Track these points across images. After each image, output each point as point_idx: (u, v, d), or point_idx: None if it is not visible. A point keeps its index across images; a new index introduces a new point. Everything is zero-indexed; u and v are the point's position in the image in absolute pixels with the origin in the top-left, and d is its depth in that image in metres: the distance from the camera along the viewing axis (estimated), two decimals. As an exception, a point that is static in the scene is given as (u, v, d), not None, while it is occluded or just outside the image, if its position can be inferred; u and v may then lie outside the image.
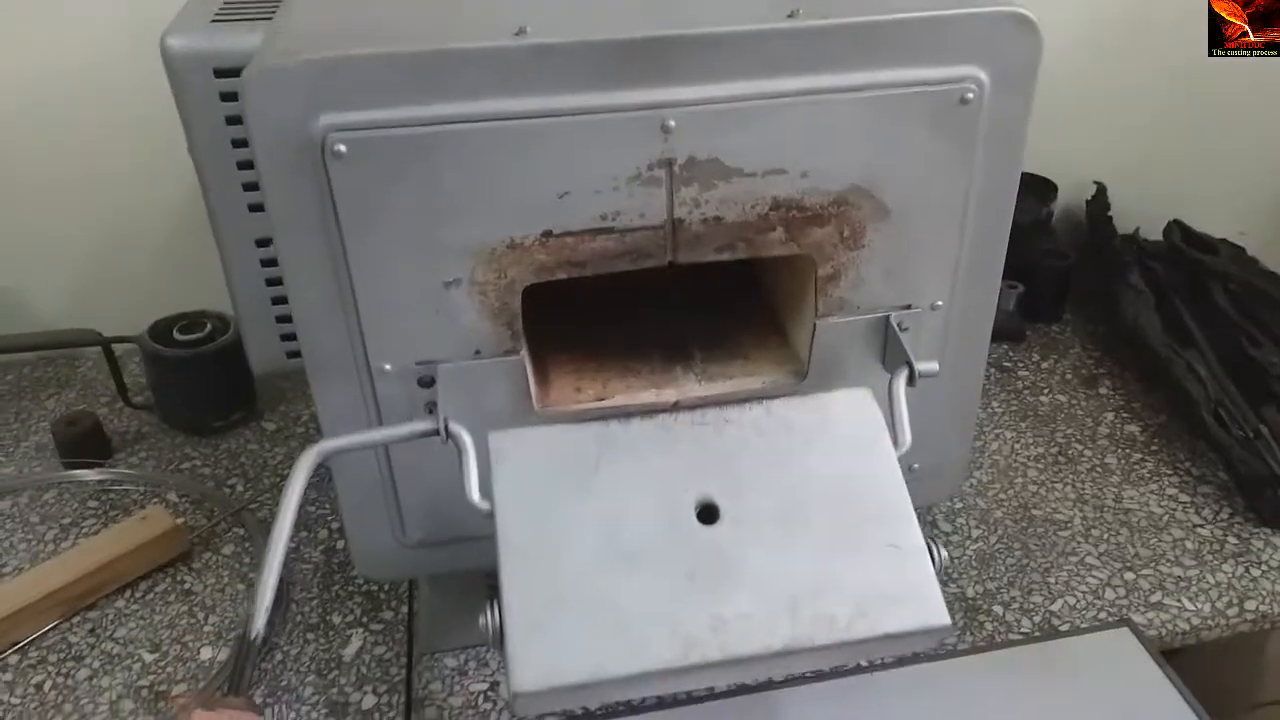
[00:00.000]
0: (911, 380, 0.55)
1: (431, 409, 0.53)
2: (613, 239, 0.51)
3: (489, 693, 0.66)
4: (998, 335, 1.01)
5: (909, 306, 0.58)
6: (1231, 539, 0.76)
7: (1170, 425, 0.89)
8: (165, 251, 0.99)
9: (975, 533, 0.77)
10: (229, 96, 0.62)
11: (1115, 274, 1.03)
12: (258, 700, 0.65)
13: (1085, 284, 1.06)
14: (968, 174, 0.54)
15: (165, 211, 0.97)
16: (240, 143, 0.64)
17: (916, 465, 0.64)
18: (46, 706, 0.66)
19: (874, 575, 0.49)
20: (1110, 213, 1.10)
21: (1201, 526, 0.78)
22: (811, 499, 0.51)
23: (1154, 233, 1.11)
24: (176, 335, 0.87)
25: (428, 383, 0.54)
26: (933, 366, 0.56)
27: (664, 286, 0.67)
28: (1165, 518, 0.79)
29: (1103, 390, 0.94)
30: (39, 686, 0.67)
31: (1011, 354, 1.00)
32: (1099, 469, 0.84)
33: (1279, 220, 1.23)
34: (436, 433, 0.52)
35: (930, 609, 0.49)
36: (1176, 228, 1.13)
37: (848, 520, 0.50)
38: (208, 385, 0.89)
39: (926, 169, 0.54)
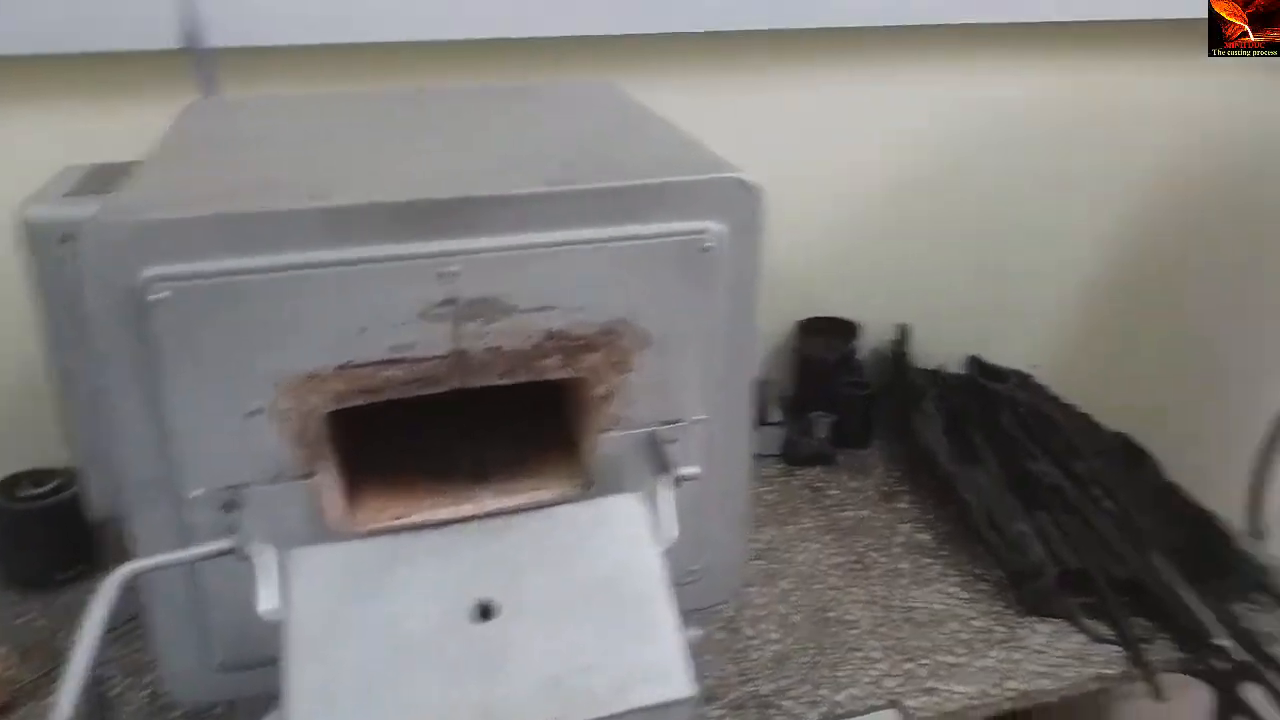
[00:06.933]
0: (675, 482, 0.64)
1: (236, 530, 0.59)
2: (404, 368, 0.59)
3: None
4: (812, 460, 1.13)
5: (676, 421, 0.67)
6: (1000, 628, 0.85)
7: (956, 533, 0.99)
8: (8, 414, 1.03)
9: (774, 635, 0.84)
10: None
11: (912, 402, 1.15)
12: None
13: (891, 413, 1.18)
14: (714, 309, 0.65)
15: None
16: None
17: (696, 567, 0.72)
18: None
19: (632, 655, 0.56)
20: (908, 349, 1.23)
21: (975, 619, 0.87)
22: (581, 592, 0.58)
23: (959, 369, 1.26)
24: (17, 492, 0.91)
25: (233, 506, 0.60)
26: (694, 470, 0.64)
27: (475, 410, 0.75)
28: (945, 613, 0.88)
29: (901, 505, 1.04)
30: None
31: (824, 476, 1.10)
32: (891, 573, 0.93)
33: (1064, 355, 1.39)
34: (234, 551, 0.57)
35: (678, 684, 0.55)
36: (973, 362, 1.28)
37: (612, 608, 0.57)
38: (48, 539, 0.91)
39: (679, 304, 0.64)
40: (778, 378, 1.21)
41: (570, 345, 0.62)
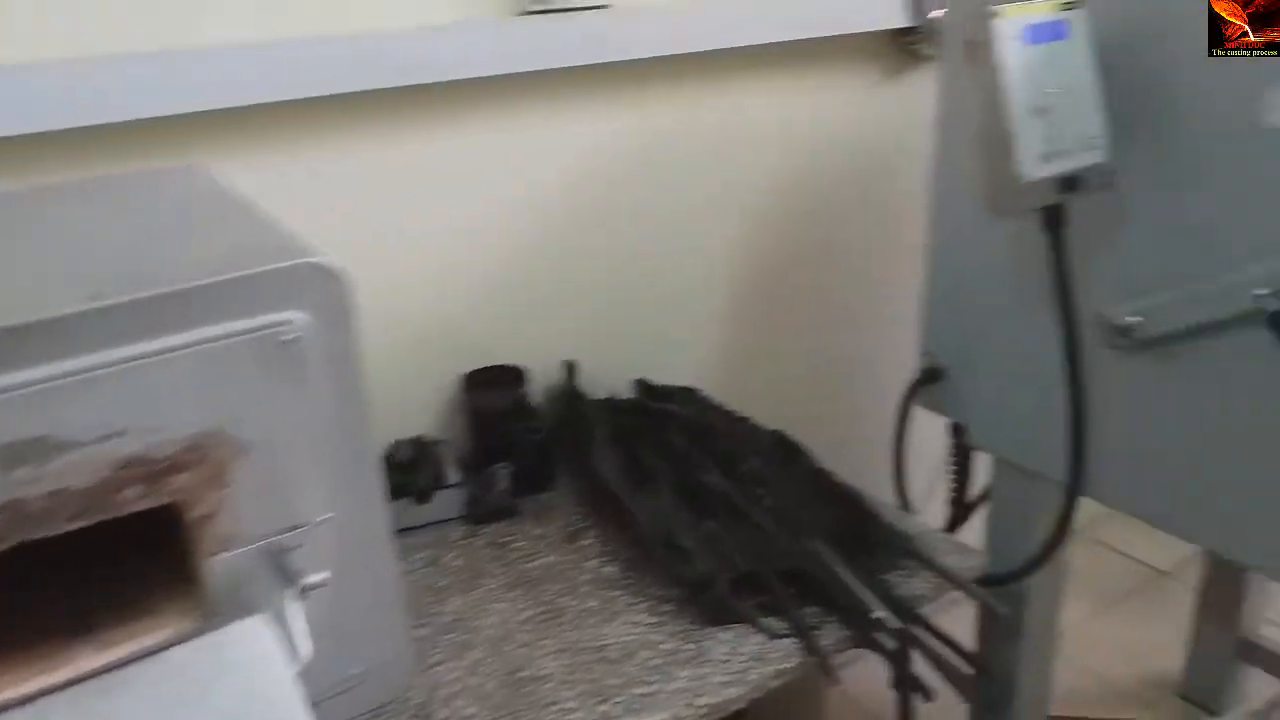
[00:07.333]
0: (301, 593, 0.59)
1: None
2: (-60, 537, 0.51)
3: None
4: (495, 515, 1.11)
5: (297, 526, 0.62)
6: (688, 646, 0.88)
7: (639, 558, 1.01)
8: None
9: (469, 711, 0.81)
10: None
11: (585, 435, 1.16)
12: None
13: (567, 450, 1.19)
14: (315, 400, 0.61)
15: None
16: None
17: (356, 670, 0.68)
18: None
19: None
20: (577, 384, 1.25)
21: (664, 642, 0.88)
22: (205, 739, 0.52)
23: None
24: None
25: None
26: (322, 575, 0.60)
27: (77, 552, 0.67)
28: (636, 643, 0.88)
29: (586, 541, 1.05)
30: None
31: (509, 529, 1.08)
32: (582, 614, 0.93)
33: (724, 368, 1.46)
34: None
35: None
36: (639, 385, 1.31)
37: (241, 750, 0.52)
38: None
39: (273, 404, 0.59)
40: (451, 436, 1.18)
41: (151, 470, 0.56)
